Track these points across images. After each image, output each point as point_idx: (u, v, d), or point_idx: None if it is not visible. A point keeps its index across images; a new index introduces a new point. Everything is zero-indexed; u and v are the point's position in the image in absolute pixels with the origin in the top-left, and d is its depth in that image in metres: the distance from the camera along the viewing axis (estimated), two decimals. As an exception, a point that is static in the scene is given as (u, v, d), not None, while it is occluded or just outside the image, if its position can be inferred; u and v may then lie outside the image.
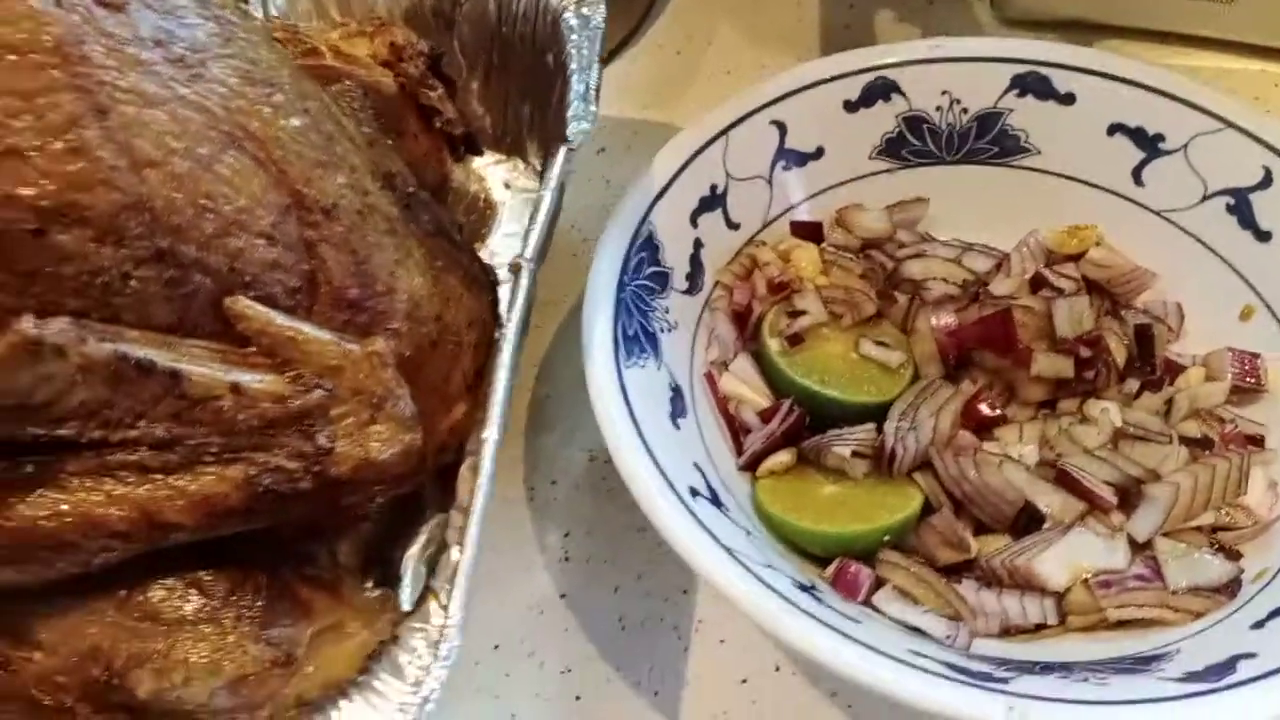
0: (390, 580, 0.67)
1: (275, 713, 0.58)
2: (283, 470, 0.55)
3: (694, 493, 0.60)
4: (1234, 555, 0.63)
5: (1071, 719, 0.51)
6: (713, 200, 0.76)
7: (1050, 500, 0.64)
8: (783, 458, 0.69)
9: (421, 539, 0.69)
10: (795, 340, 0.72)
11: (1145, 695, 0.52)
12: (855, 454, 0.67)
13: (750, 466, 0.69)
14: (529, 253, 0.61)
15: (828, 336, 0.73)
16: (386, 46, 0.79)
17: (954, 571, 0.64)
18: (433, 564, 0.68)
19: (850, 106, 0.80)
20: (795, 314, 0.74)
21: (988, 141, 0.81)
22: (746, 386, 0.72)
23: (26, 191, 0.49)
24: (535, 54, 0.82)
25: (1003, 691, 0.51)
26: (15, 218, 0.50)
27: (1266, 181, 0.72)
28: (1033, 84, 0.79)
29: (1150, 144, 0.76)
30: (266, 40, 0.58)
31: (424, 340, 0.61)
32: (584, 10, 0.77)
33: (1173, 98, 0.75)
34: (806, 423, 0.70)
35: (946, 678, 0.52)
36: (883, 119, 0.80)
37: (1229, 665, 0.53)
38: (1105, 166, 0.78)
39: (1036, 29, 1.02)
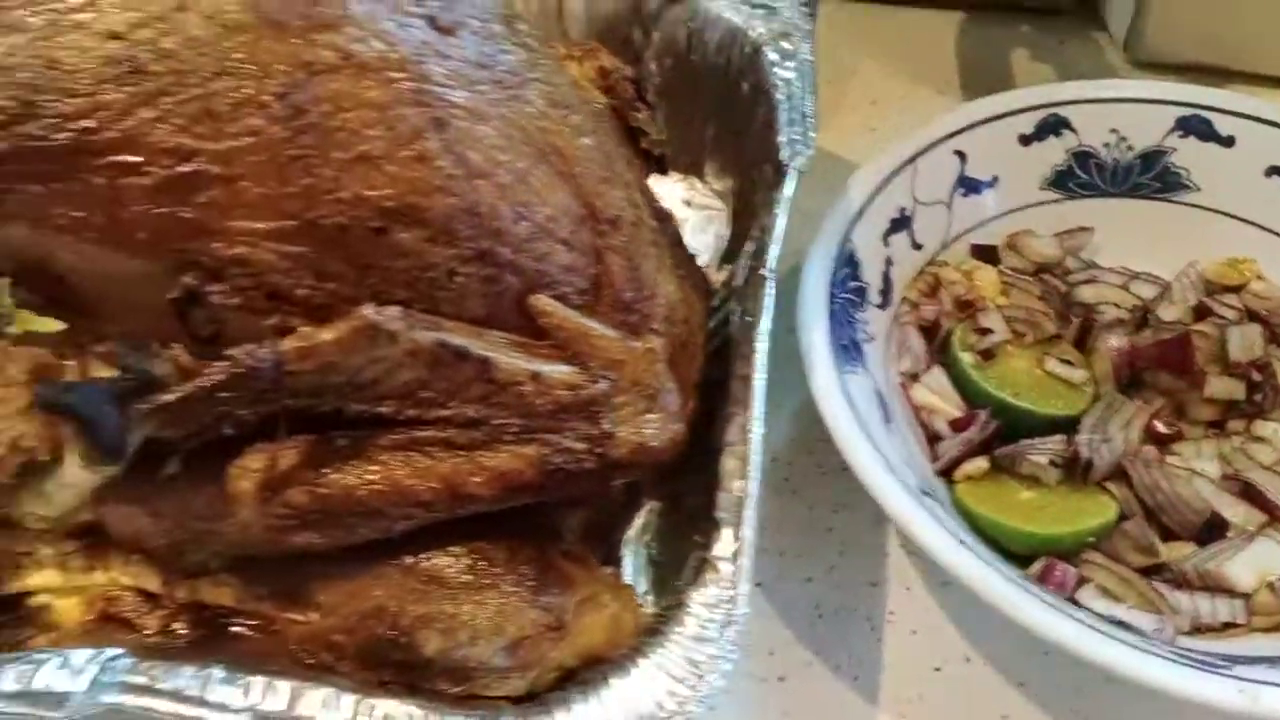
0: (612, 560, 0.73)
1: (540, 675, 0.64)
2: (571, 451, 0.60)
3: (924, 492, 0.66)
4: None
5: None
6: (901, 222, 0.82)
7: (1235, 511, 0.70)
8: (980, 464, 0.74)
9: (638, 523, 0.74)
10: (987, 355, 0.78)
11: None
12: (1050, 462, 0.72)
13: (945, 471, 0.75)
14: (771, 264, 0.67)
15: (1012, 353, 0.79)
16: (595, 70, 0.85)
17: (1143, 575, 0.70)
18: (653, 550, 0.74)
19: (1024, 140, 0.86)
20: (982, 331, 0.80)
21: (1150, 178, 0.87)
22: (938, 397, 0.78)
23: (374, 193, 0.56)
24: (729, 83, 0.87)
25: (1230, 676, 0.57)
26: (363, 216, 0.56)
27: None
28: (1195, 126, 0.85)
29: (1306, 187, 0.82)
30: (559, 66, 0.64)
31: (676, 341, 0.67)
32: (785, 44, 0.83)
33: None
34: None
35: (1178, 663, 0.57)
36: (1053, 152, 0.87)
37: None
38: (1262, 205, 0.84)
39: (1165, 72, 1.09)
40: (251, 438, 0.60)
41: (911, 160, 0.82)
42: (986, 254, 0.85)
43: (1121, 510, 0.71)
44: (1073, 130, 0.86)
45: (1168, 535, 0.71)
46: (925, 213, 0.83)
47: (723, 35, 0.87)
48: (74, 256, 0.57)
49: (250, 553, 0.65)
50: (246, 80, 0.54)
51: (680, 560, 0.71)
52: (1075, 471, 0.72)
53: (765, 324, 0.65)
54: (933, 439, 0.77)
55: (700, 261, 0.80)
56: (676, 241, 0.71)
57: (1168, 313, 0.81)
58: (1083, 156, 0.86)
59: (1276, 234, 0.84)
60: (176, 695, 0.57)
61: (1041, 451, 0.72)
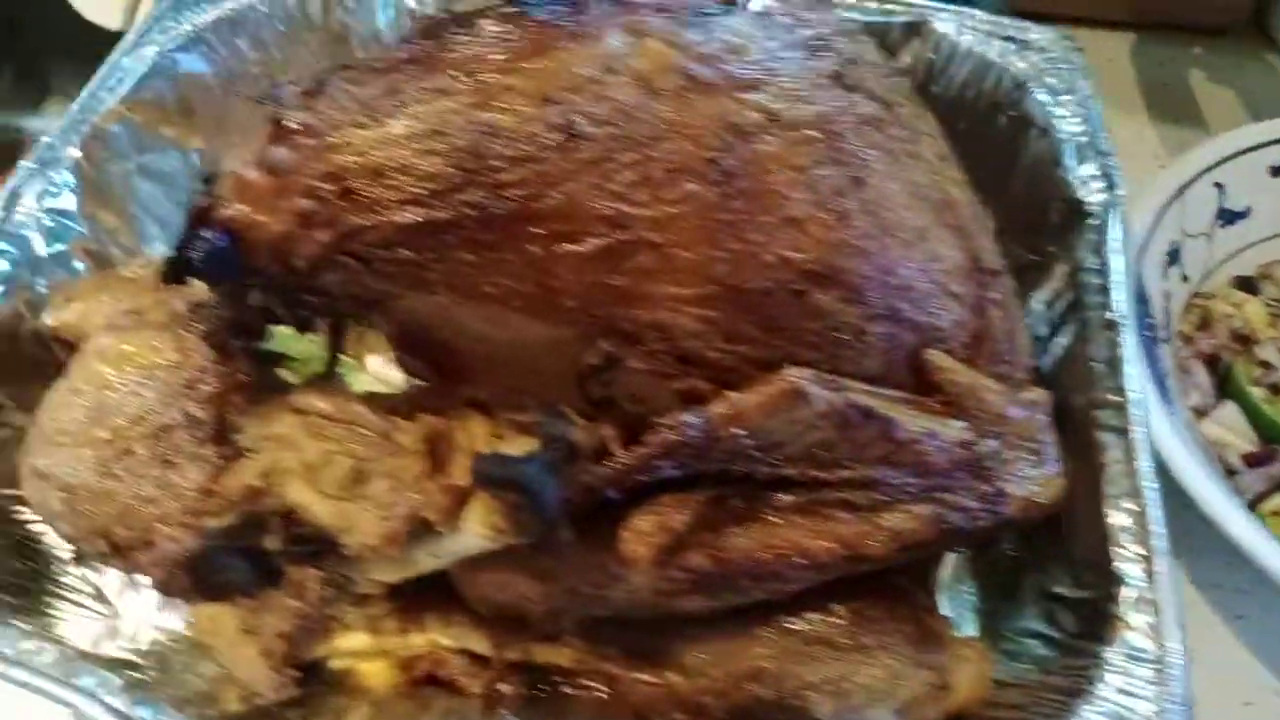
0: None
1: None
2: (966, 510, 0.60)
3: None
4: None
5: None
6: (1174, 255, 0.82)
7: None
8: (1285, 497, 0.75)
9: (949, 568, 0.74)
10: (1276, 390, 0.78)
11: None
12: (1362, 494, 0.73)
13: (1250, 504, 0.75)
14: (1121, 310, 0.67)
15: (1290, 385, 0.80)
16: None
17: None
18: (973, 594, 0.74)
19: (1274, 171, 0.87)
20: (1263, 364, 0.80)
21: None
22: (1231, 432, 0.78)
23: (798, 255, 0.55)
24: (978, 116, 0.86)
25: None
26: (785, 279, 0.55)
27: None
28: None
29: None
30: (929, 116, 0.63)
31: (1028, 390, 0.66)
32: (1050, 79, 0.83)
33: None
34: (1298, 465, 0.76)
35: None
36: (1301, 183, 0.87)
37: None
38: None
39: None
40: (634, 500, 0.59)
41: (1179, 193, 0.82)
42: (1247, 284, 0.86)
43: None
44: (1316, 161, 0.87)
45: None
46: (1191, 245, 0.83)
47: (973, 69, 0.87)
48: (485, 324, 0.56)
49: (627, 615, 0.64)
50: (681, 144, 0.53)
51: (1014, 605, 0.71)
52: (1387, 505, 0.73)
53: (1132, 371, 0.65)
54: (1229, 473, 0.77)
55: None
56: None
57: None
58: (1327, 185, 0.87)
59: None
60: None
61: (1351, 485, 0.73)
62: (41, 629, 0.69)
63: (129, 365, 0.67)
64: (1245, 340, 0.82)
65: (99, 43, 1.10)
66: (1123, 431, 0.64)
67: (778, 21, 0.56)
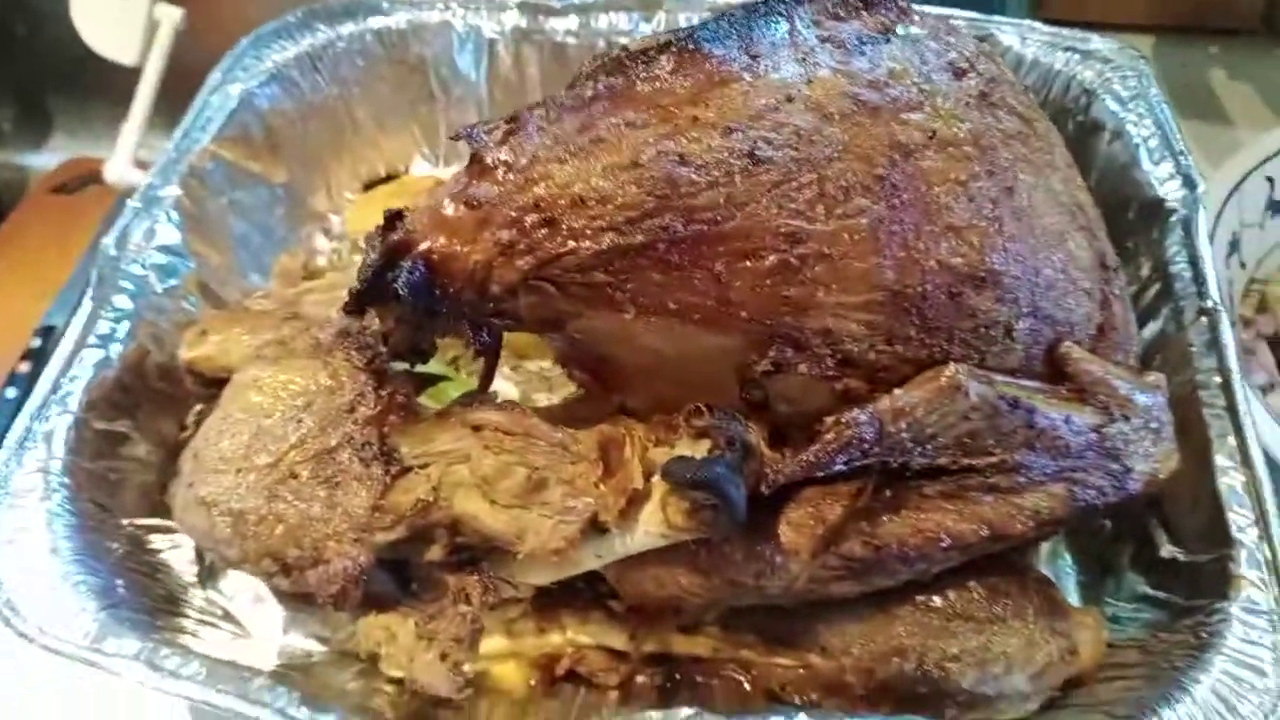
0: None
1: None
2: (1097, 488, 0.64)
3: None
4: None
5: None
6: (1235, 245, 0.88)
7: None
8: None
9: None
10: (1336, 366, 0.84)
11: None
12: None
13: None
14: (1216, 298, 0.72)
15: (1348, 362, 0.86)
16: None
17: None
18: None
19: (1316, 164, 0.93)
20: (1320, 343, 0.86)
21: None
22: (1297, 408, 0.84)
23: (957, 260, 0.59)
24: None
25: None
26: (944, 282, 0.59)
27: None
28: None
29: None
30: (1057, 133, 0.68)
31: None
32: (1117, 87, 0.88)
33: None
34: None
35: None
36: (1338, 173, 0.94)
37: None
38: None
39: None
40: (783, 494, 0.63)
41: (1237, 188, 0.88)
42: (1297, 269, 0.92)
43: None
44: (1354, 154, 0.93)
45: None
46: (1248, 234, 0.89)
47: (1040, 78, 0.92)
48: (660, 337, 0.59)
49: (776, 604, 0.68)
50: (853, 163, 0.57)
51: (1115, 575, 0.76)
52: None
53: (1232, 358, 0.70)
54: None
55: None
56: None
57: None
58: (1362, 175, 0.94)
59: None
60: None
61: None
62: (184, 646, 0.71)
63: (285, 393, 0.70)
64: (1302, 321, 0.88)
65: (103, 76, 1.11)
66: (1226, 409, 0.70)
67: (928, 46, 0.60)
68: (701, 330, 0.58)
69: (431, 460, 0.66)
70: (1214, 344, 0.72)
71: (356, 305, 0.60)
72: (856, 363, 0.60)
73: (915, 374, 0.61)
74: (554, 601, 0.75)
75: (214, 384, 0.76)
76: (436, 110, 1.07)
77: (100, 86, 1.29)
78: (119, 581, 0.70)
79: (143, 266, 0.84)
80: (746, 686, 0.73)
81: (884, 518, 0.63)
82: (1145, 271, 0.80)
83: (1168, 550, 0.71)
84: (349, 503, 0.66)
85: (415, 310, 0.58)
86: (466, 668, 0.66)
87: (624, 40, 1.01)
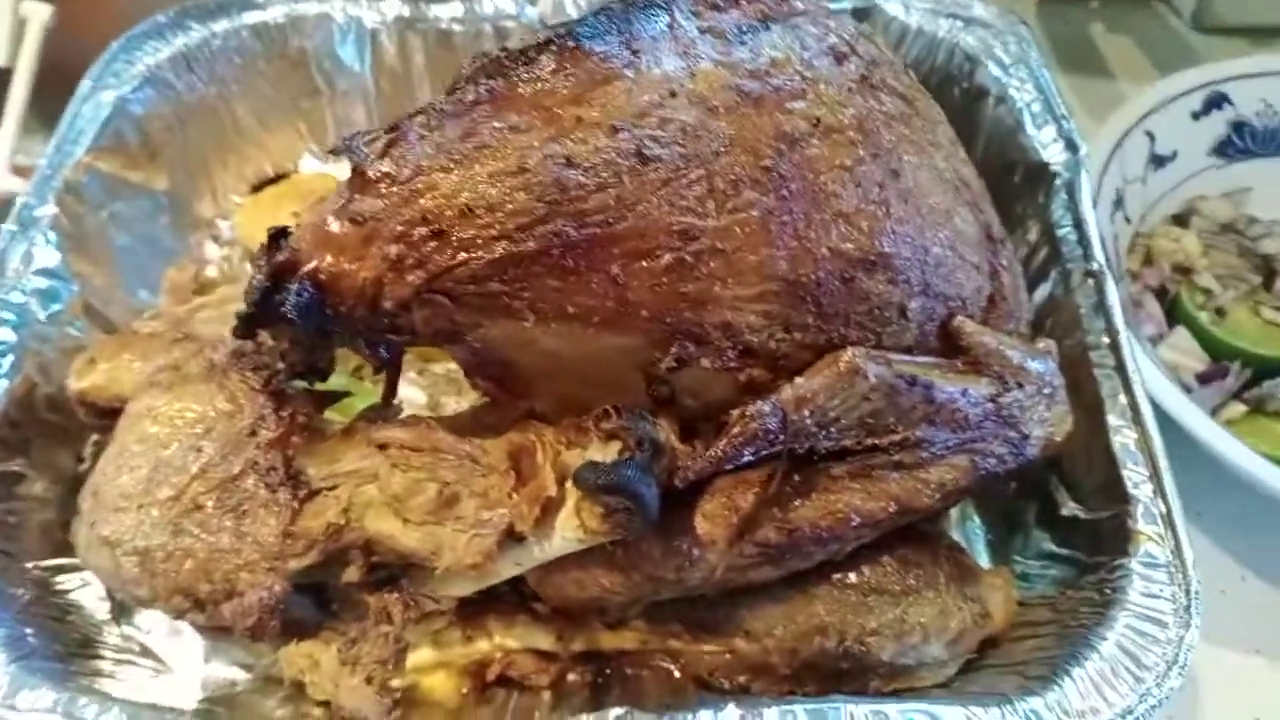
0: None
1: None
2: (997, 455, 0.66)
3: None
4: None
5: None
6: (1119, 201, 0.91)
7: None
8: (1239, 408, 0.84)
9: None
10: (1219, 312, 0.88)
11: None
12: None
13: (1210, 417, 0.84)
14: (1100, 260, 0.75)
15: (1229, 307, 0.90)
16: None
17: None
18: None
19: (1195, 116, 0.96)
20: (1204, 290, 0.89)
21: (1296, 137, 0.99)
22: (1183, 354, 0.87)
23: (848, 246, 0.60)
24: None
25: None
26: (837, 269, 0.60)
27: None
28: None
29: None
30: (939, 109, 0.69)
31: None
32: (999, 53, 0.90)
33: None
34: (1248, 378, 0.86)
35: None
36: (1217, 125, 0.97)
37: None
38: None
39: (1228, 35, 1.21)
40: (695, 487, 0.64)
41: (1119, 144, 0.90)
42: (1179, 220, 0.95)
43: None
44: (1231, 103, 0.96)
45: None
46: (1131, 190, 0.92)
47: (925, 47, 0.93)
48: (561, 341, 0.59)
49: (697, 594, 0.68)
50: (740, 156, 0.57)
51: (1022, 534, 0.79)
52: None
53: (1119, 318, 0.72)
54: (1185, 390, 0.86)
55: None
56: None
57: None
58: (1239, 126, 0.97)
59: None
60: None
61: (1290, 390, 0.83)
62: (103, 692, 0.69)
63: (181, 421, 0.67)
64: (1186, 271, 0.91)
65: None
66: (1116, 368, 0.72)
67: (808, 31, 0.60)
68: (603, 332, 0.58)
69: (340, 481, 0.65)
70: (1100, 306, 0.74)
71: (246, 329, 0.59)
72: (757, 353, 0.61)
73: (815, 359, 0.61)
74: (479, 609, 0.74)
75: (108, 414, 0.73)
76: (322, 104, 1.04)
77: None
78: (28, 630, 0.68)
79: (23, 293, 0.80)
80: (676, 675, 0.74)
81: (795, 502, 0.64)
82: (1033, 236, 0.82)
83: (1069, 509, 0.73)
84: (258, 531, 0.64)
85: (307, 330, 0.56)
86: (395, 683, 0.66)
87: (510, 25, 0.99)
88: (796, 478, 0.64)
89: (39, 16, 1.01)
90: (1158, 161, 0.95)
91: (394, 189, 0.54)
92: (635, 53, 0.56)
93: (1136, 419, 0.69)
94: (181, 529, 0.65)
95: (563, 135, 0.54)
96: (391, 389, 0.67)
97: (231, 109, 1.00)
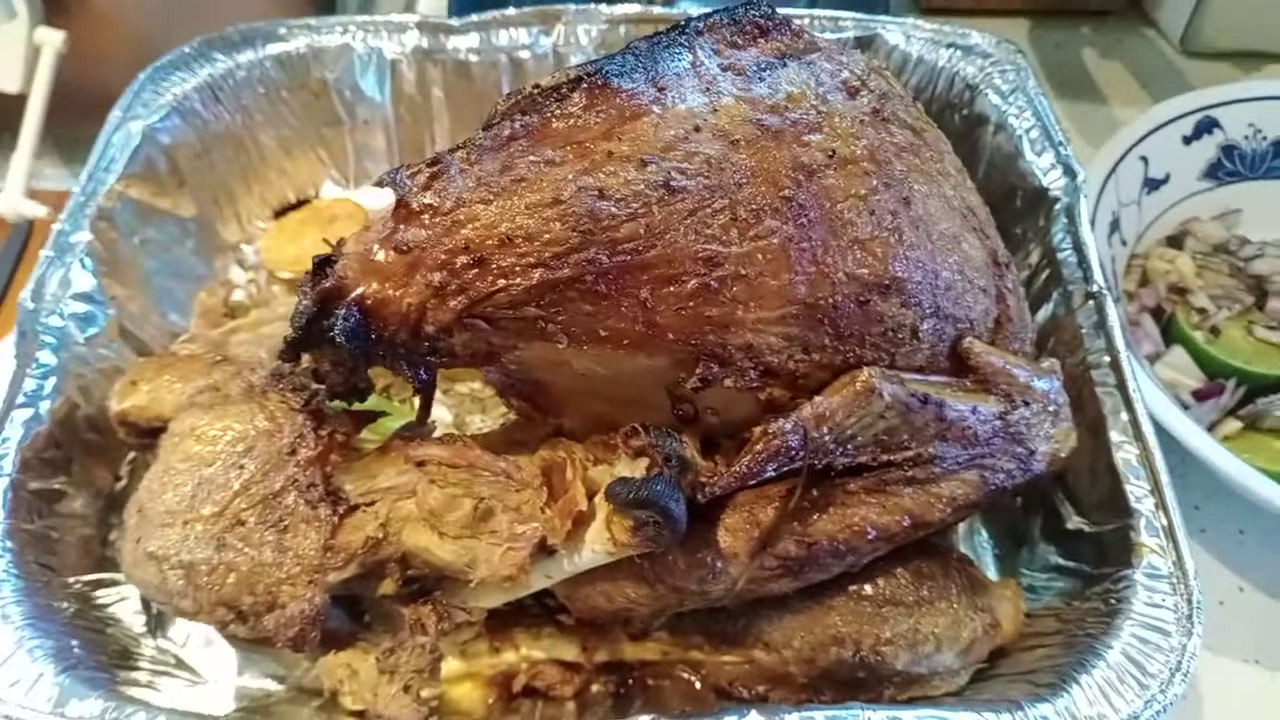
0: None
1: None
2: (1005, 471, 0.69)
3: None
4: None
5: None
6: (1115, 224, 0.94)
7: None
8: (1234, 425, 0.87)
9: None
10: (1214, 331, 0.91)
11: None
12: (1296, 413, 0.86)
13: (1206, 433, 0.88)
14: (1101, 281, 0.78)
15: (1223, 326, 0.93)
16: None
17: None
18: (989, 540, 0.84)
19: (1186, 140, 1.00)
20: (1199, 310, 0.93)
21: (1283, 161, 1.02)
22: (1180, 372, 0.90)
23: (863, 271, 0.63)
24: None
25: None
26: (853, 292, 0.63)
27: None
28: (1314, 113, 1.01)
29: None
30: (945, 139, 0.72)
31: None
32: (999, 81, 0.93)
33: None
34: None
35: None
36: (1207, 149, 1.01)
37: None
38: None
39: (1216, 60, 1.25)
40: (717, 502, 0.67)
41: (1114, 169, 0.94)
42: (1173, 242, 0.98)
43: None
44: (1221, 128, 1.00)
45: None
46: (1126, 213, 0.96)
47: (925, 75, 0.97)
48: (592, 363, 0.62)
49: (719, 605, 0.71)
50: (761, 187, 0.60)
51: (1029, 547, 0.82)
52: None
53: (1119, 337, 0.76)
54: (1182, 407, 0.89)
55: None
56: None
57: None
58: (1229, 149, 1.01)
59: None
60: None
61: (1282, 405, 0.86)
62: (145, 701, 0.72)
63: (224, 440, 0.70)
64: (1181, 291, 0.95)
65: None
66: (1117, 386, 0.75)
67: (823, 67, 0.64)
68: (631, 354, 0.61)
69: (378, 497, 0.68)
70: (1101, 325, 0.77)
71: (292, 352, 0.62)
72: (777, 373, 0.64)
73: (832, 379, 0.64)
74: (506, 621, 0.77)
75: (147, 434, 0.76)
76: (343, 133, 1.07)
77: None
78: (73, 642, 0.70)
79: (61, 317, 0.83)
80: (697, 685, 0.77)
81: (814, 516, 0.67)
82: (1034, 258, 0.85)
83: (1074, 522, 0.76)
84: (299, 545, 0.67)
85: (351, 353, 0.59)
86: (426, 693, 0.68)
87: (525, 55, 1.03)
88: (815, 493, 0.68)
89: (53, 43, 1.04)
90: (1151, 185, 0.98)
91: (437, 220, 0.57)
92: (661, 89, 0.59)
93: (1138, 435, 0.72)
94: (225, 544, 0.67)
95: (595, 168, 0.58)
96: (426, 409, 0.70)
97: (255, 137, 1.03)
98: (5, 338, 0.83)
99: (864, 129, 0.64)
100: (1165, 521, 0.70)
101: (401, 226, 0.57)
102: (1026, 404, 0.70)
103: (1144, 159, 0.97)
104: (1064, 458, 0.71)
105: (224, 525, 0.68)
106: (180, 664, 0.80)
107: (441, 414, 0.89)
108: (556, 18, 1.02)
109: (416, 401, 0.69)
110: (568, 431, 0.70)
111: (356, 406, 0.71)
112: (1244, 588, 0.88)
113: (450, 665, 0.77)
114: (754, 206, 0.60)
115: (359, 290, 0.58)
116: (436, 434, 0.71)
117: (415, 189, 0.57)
